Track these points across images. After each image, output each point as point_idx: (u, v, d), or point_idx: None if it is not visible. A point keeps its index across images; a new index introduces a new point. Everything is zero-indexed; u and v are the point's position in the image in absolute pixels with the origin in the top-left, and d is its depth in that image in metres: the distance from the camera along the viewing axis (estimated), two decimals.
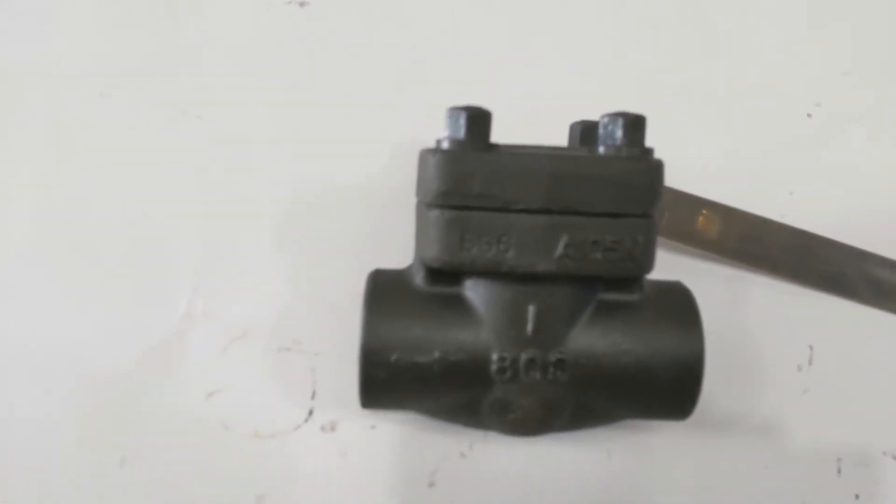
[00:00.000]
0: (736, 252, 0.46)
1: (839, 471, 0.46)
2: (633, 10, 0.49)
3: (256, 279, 0.46)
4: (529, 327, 0.37)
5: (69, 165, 0.46)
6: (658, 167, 0.37)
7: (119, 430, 0.44)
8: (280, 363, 0.45)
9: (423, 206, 0.38)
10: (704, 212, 0.45)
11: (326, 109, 0.47)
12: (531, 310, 0.37)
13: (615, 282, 0.38)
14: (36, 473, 0.44)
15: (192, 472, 0.44)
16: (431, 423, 0.44)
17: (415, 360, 0.37)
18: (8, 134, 0.46)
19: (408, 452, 0.45)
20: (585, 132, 0.41)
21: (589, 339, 0.37)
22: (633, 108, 0.37)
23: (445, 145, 0.37)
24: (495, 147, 0.37)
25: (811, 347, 0.47)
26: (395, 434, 0.45)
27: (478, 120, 0.36)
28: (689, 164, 0.44)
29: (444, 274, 0.38)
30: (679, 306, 0.39)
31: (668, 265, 0.42)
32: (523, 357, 0.37)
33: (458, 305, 0.38)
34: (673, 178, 0.40)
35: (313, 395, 0.45)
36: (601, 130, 0.37)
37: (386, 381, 0.37)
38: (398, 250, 0.42)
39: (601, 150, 0.37)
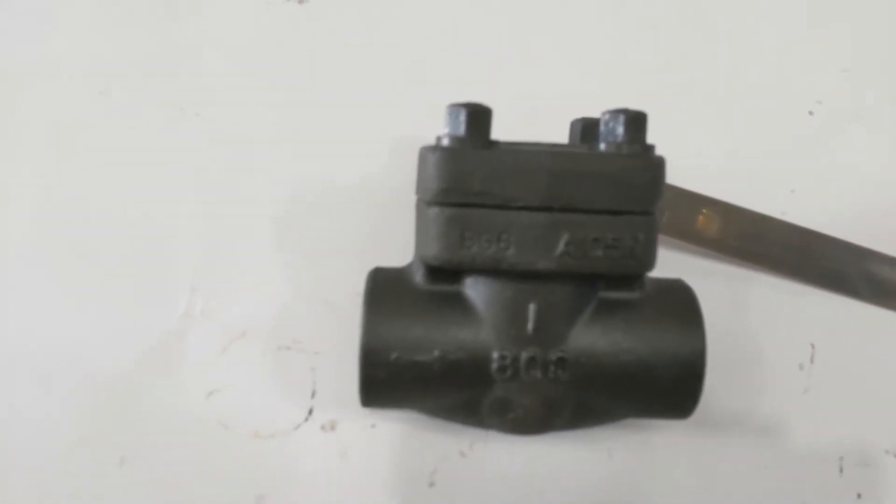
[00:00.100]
0: (736, 250, 0.46)
1: (841, 470, 0.46)
2: (633, 10, 0.49)
3: (256, 278, 0.45)
4: (530, 326, 0.37)
5: (69, 165, 0.46)
6: (659, 164, 0.37)
7: (119, 430, 0.44)
8: (280, 362, 0.45)
9: (423, 203, 0.38)
10: (704, 210, 0.45)
11: (326, 109, 0.47)
12: (532, 308, 0.37)
13: (616, 280, 0.38)
14: (36, 473, 0.44)
15: (192, 472, 0.44)
16: (432, 423, 0.44)
17: (415, 358, 0.37)
18: (8, 134, 0.46)
19: (408, 452, 0.45)
20: (586, 129, 0.41)
21: (590, 337, 0.37)
22: (634, 107, 0.37)
23: (445, 142, 0.37)
24: (495, 144, 0.37)
25: (813, 346, 0.46)
26: (396, 433, 0.45)
27: (478, 116, 0.36)
28: (691, 162, 0.44)
29: (444, 272, 0.38)
30: (680, 304, 0.39)
31: (669, 263, 0.42)
32: (524, 356, 0.37)
33: (458, 304, 0.38)
34: (674, 177, 0.40)
35: (313, 395, 0.45)
36: (602, 127, 0.37)
37: (386, 380, 0.37)
38: (398, 250, 0.42)
39: (602, 146, 0.37)
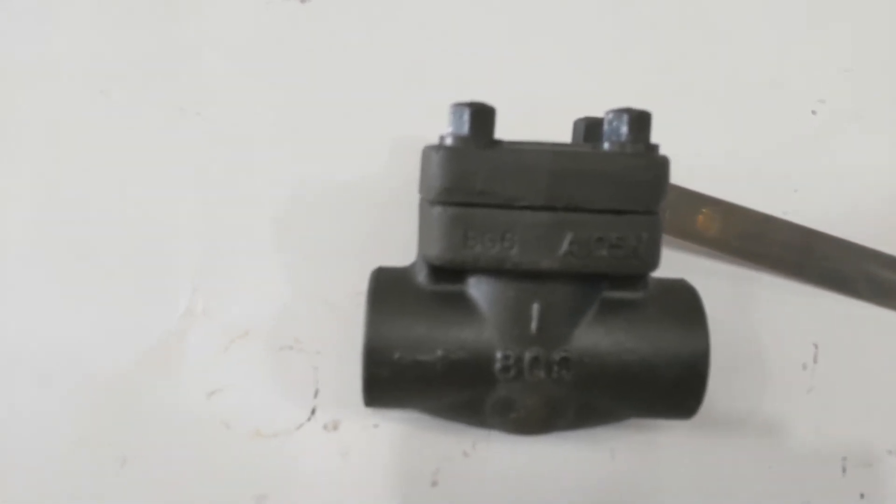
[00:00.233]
0: (737, 249, 0.46)
1: (844, 470, 0.46)
2: (634, 10, 0.49)
3: (257, 278, 0.45)
4: (533, 325, 0.37)
5: (69, 165, 0.46)
6: (663, 163, 0.37)
7: (119, 430, 0.44)
8: (281, 362, 0.45)
9: (426, 203, 0.37)
10: (705, 209, 0.45)
11: (326, 109, 0.47)
12: (535, 308, 0.37)
13: (620, 279, 0.38)
14: (36, 473, 0.44)
15: (193, 471, 0.44)
16: (434, 422, 0.44)
17: (418, 358, 0.37)
18: (8, 134, 0.46)
19: (410, 451, 0.44)
20: (589, 129, 0.41)
21: (593, 337, 0.37)
22: (636, 106, 0.37)
23: (449, 142, 0.36)
24: (499, 143, 0.37)
25: (816, 346, 0.46)
26: (398, 433, 0.45)
27: (481, 116, 0.36)
28: (693, 162, 0.43)
29: (448, 272, 0.38)
30: (684, 304, 0.39)
31: (672, 263, 0.42)
32: (527, 355, 0.37)
33: (462, 303, 0.38)
34: (675, 177, 0.39)
35: (316, 394, 0.45)
36: (606, 126, 0.37)
37: (389, 380, 0.37)
38: (398, 249, 0.42)
39: (606, 146, 0.37)
